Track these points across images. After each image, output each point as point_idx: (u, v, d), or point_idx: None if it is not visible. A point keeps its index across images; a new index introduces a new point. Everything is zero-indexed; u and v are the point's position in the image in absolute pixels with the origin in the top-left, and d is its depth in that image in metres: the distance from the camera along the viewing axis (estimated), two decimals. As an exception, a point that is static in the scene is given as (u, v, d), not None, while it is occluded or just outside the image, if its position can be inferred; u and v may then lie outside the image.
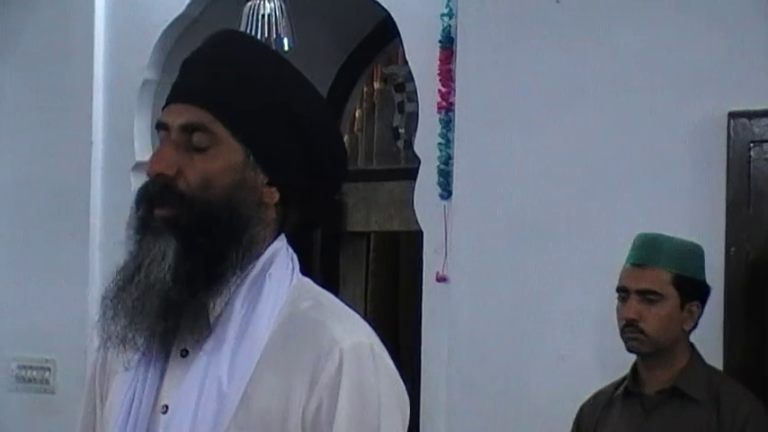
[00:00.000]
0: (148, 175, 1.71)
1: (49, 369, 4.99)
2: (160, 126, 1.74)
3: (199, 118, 1.70)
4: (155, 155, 1.72)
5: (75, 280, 4.87)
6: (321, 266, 5.59)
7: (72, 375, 4.78)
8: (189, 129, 1.70)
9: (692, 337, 3.24)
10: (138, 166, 4.80)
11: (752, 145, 3.55)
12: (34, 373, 5.03)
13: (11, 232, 5.13)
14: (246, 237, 1.71)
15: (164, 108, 1.75)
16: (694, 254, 3.23)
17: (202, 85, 1.72)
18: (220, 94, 1.71)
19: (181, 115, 1.71)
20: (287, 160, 1.74)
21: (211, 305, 1.69)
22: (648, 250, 3.20)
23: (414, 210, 4.29)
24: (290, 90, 1.77)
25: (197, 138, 1.70)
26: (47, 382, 5.00)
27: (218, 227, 1.68)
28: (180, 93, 1.74)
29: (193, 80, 1.74)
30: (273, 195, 1.74)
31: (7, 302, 5.10)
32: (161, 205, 1.69)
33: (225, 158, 1.70)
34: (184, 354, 1.71)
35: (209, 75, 1.73)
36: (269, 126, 1.73)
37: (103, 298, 1.72)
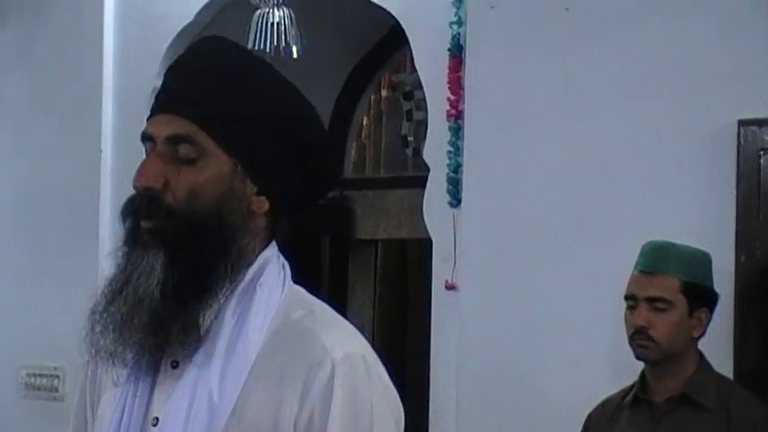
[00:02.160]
0: (135, 188, 1.69)
1: (58, 377, 4.99)
2: (146, 137, 1.72)
3: (184, 129, 1.68)
4: (140, 168, 1.69)
5: (85, 287, 4.80)
6: (330, 274, 5.60)
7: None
8: (174, 140, 1.68)
9: (703, 345, 3.23)
10: (147, 174, 4.80)
11: (762, 153, 3.55)
12: (43, 380, 5.03)
13: (21, 240, 5.14)
14: (236, 247, 1.69)
15: (148, 118, 1.73)
16: (702, 261, 3.22)
17: (187, 95, 1.70)
18: (205, 103, 1.69)
19: (166, 126, 1.69)
20: (276, 169, 1.72)
21: (201, 317, 1.67)
22: (657, 257, 3.20)
23: (423, 217, 4.29)
24: (277, 97, 1.74)
25: (183, 149, 1.68)
26: (56, 389, 5.00)
27: (206, 239, 1.66)
28: (164, 103, 1.72)
29: (178, 90, 1.72)
30: (263, 204, 1.72)
31: (17, 310, 5.11)
32: (147, 218, 1.67)
33: (212, 169, 1.68)
34: (175, 366, 1.69)
35: (194, 84, 1.70)
36: (256, 135, 1.70)
37: (92, 312, 1.70)
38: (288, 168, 1.74)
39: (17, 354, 5.08)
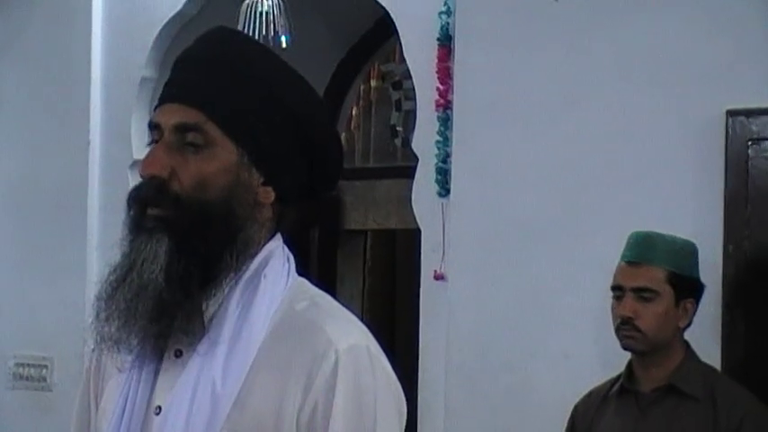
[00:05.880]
0: (141, 176, 1.69)
1: (46, 367, 4.99)
2: (153, 126, 1.72)
3: (192, 118, 1.68)
4: (147, 156, 1.70)
5: (73, 278, 4.87)
6: (318, 264, 5.60)
7: (69, 373, 4.78)
8: (182, 129, 1.68)
9: (691, 336, 3.24)
10: (135, 164, 4.80)
11: (750, 143, 3.55)
12: (32, 370, 5.03)
13: (9, 230, 5.14)
14: (241, 237, 1.69)
15: (156, 108, 1.74)
16: (688, 251, 3.23)
17: (195, 85, 1.70)
18: (213, 93, 1.69)
19: (173, 115, 1.69)
20: (282, 159, 1.73)
21: (205, 306, 1.68)
22: (643, 248, 3.20)
23: (411, 208, 4.29)
24: (284, 88, 1.74)
25: (190, 138, 1.68)
26: (44, 379, 5.00)
27: (212, 228, 1.66)
28: (172, 92, 1.72)
29: (186, 79, 1.72)
30: (269, 195, 1.73)
31: (5, 300, 5.10)
32: (154, 206, 1.67)
33: (219, 159, 1.68)
34: (178, 354, 1.70)
35: (202, 74, 1.71)
36: (263, 125, 1.71)
37: (97, 299, 1.70)
38: (294, 159, 1.74)
39: (6, 344, 5.08)
